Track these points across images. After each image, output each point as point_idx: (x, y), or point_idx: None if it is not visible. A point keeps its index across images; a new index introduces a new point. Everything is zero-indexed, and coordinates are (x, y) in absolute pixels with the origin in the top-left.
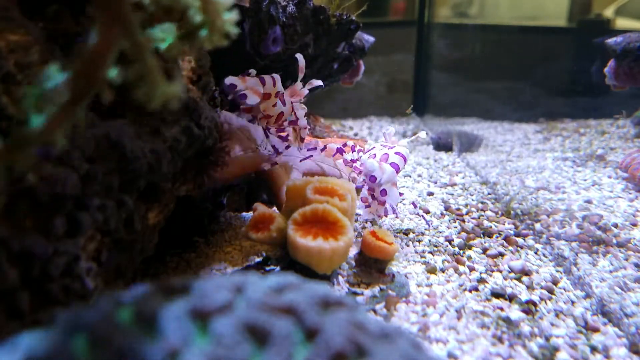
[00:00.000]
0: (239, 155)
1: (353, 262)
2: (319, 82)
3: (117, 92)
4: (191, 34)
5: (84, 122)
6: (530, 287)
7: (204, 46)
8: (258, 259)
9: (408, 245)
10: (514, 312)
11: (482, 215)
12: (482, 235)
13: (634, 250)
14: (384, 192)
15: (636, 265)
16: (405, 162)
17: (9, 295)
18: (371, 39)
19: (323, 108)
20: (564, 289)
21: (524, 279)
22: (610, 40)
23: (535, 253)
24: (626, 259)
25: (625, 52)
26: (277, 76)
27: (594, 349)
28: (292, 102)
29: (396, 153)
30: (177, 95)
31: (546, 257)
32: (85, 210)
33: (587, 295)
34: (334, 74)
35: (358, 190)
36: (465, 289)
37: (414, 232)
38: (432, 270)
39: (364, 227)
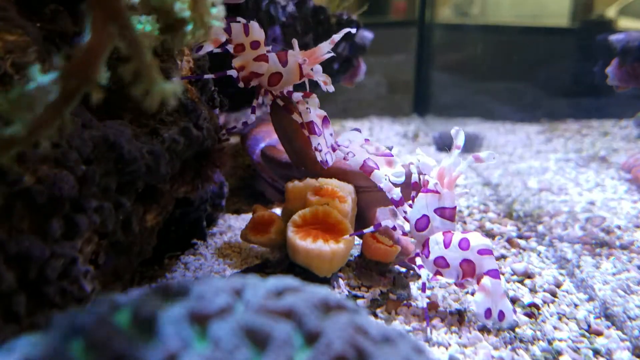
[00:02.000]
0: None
1: (354, 265)
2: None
3: (116, 93)
4: (175, 28)
5: (70, 124)
6: (533, 290)
7: (188, 40)
8: (257, 262)
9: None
10: (517, 316)
11: (484, 217)
12: None
13: (638, 252)
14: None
15: (639, 267)
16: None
17: (6, 298)
18: (369, 35)
19: (323, 108)
20: (567, 292)
21: (527, 281)
22: (614, 37)
23: (538, 255)
24: (629, 261)
25: (626, 50)
26: (253, 23)
27: (597, 353)
28: (304, 67)
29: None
30: (174, 94)
31: (549, 259)
32: (83, 212)
33: (590, 298)
34: (334, 74)
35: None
36: (467, 292)
37: None
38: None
39: None
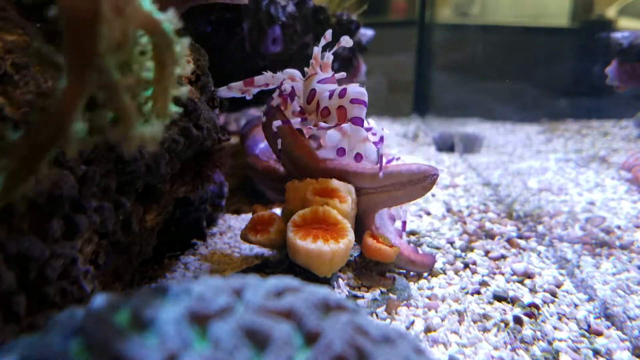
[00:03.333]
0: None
1: (353, 265)
2: (348, 41)
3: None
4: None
5: (46, 179)
6: (533, 290)
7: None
8: (257, 262)
9: None
10: (517, 316)
11: (484, 217)
12: (484, 238)
13: (638, 252)
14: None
15: (639, 267)
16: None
17: (6, 298)
18: (370, 32)
19: None
20: (567, 292)
21: (527, 281)
22: (616, 35)
23: (538, 255)
24: (629, 262)
25: (630, 48)
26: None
27: (597, 353)
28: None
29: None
30: (154, 138)
31: (549, 259)
32: (83, 212)
33: (590, 298)
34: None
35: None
36: (467, 292)
37: (416, 235)
38: (433, 273)
39: None
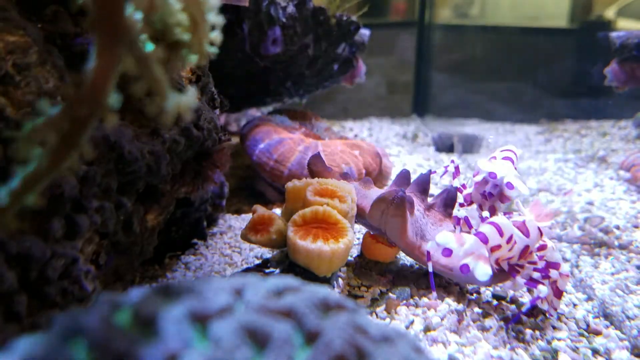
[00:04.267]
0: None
1: (353, 264)
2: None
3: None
4: (173, 48)
5: (90, 152)
6: (531, 290)
7: (185, 62)
8: (257, 262)
9: None
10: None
11: None
12: None
13: (636, 252)
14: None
15: (638, 267)
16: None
17: (7, 298)
18: (366, 31)
19: (323, 109)
20: (566, 292)
21: None
22: (614, 34)
23: None
24: (628, 261)
25: (623, 47)
26: (503, 222)
27: (595, 352)
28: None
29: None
30: (190, 106)
31: None
32: (84, 212)
33: (589, 298)
34: (334, 75)
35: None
36: (466, 291)
37: None
38: None
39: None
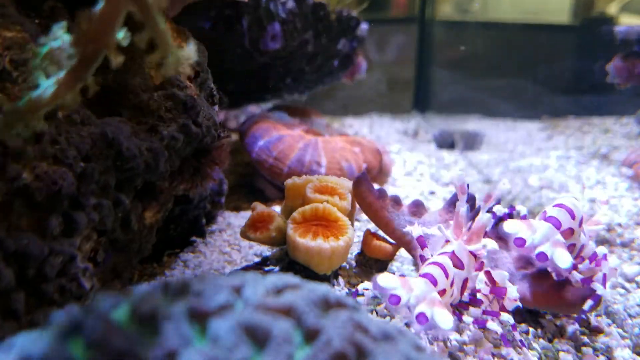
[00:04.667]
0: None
1: (353, 262)
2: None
3: (114, 90)
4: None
5: (94, 86)
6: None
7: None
8: (257, 259)
9: None
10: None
11: None
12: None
13: (638, 249)
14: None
15: None
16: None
17: (5, 295)
18: (364, 26)
19: (323, 106)
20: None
21: None
22: (618, 28)
23: None
24: (630, 259)
25: (625, 42)
26: (446, 262)
27: (597, 351)
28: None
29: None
30: (190, 59)
31: None
32: (81, 209)
33: None
34: (334, 71)
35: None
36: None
37: None
38: None
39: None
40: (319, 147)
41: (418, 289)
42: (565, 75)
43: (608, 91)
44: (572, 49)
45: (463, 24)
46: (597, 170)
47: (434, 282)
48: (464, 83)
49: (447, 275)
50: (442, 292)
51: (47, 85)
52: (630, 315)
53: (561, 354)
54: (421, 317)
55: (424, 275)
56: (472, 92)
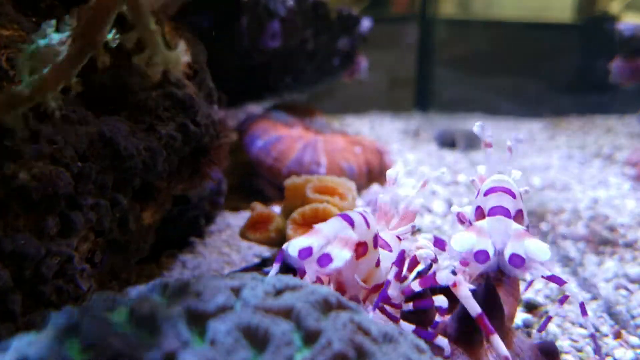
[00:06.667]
0: None
1: None
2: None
3: (112, 89)
4: None
5: (78, 86)
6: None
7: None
8: (256, 260)
9: None
10: (519, 314)
11: None
12: None
13: None
14: None
15: None
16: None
17: (1, 296)
18: (368, 23)
19: (324, 104)
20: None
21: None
22: (622, 26)
23: None
24: (633, 260)
25: (629, 39)
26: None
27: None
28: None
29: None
30: (177, 62)
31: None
32: (79, 209)
33: (594, 297)
34: (335, 70)
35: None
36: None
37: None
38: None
39: None
40: (319, 147)
41: (329, 228)
42: (568, 74)
43: (611, 90)
44: (574, 47)
45: (465, 22)
46: (600, 170)
47: (350, 222)
48: (465, 82)
49: (368, 225)
50: (361, 244)
51: (27, 82)
52: (633, 316)
53: (564, 354)
54: (324, 258)
55: (339, 215)
56: (473, 91)
